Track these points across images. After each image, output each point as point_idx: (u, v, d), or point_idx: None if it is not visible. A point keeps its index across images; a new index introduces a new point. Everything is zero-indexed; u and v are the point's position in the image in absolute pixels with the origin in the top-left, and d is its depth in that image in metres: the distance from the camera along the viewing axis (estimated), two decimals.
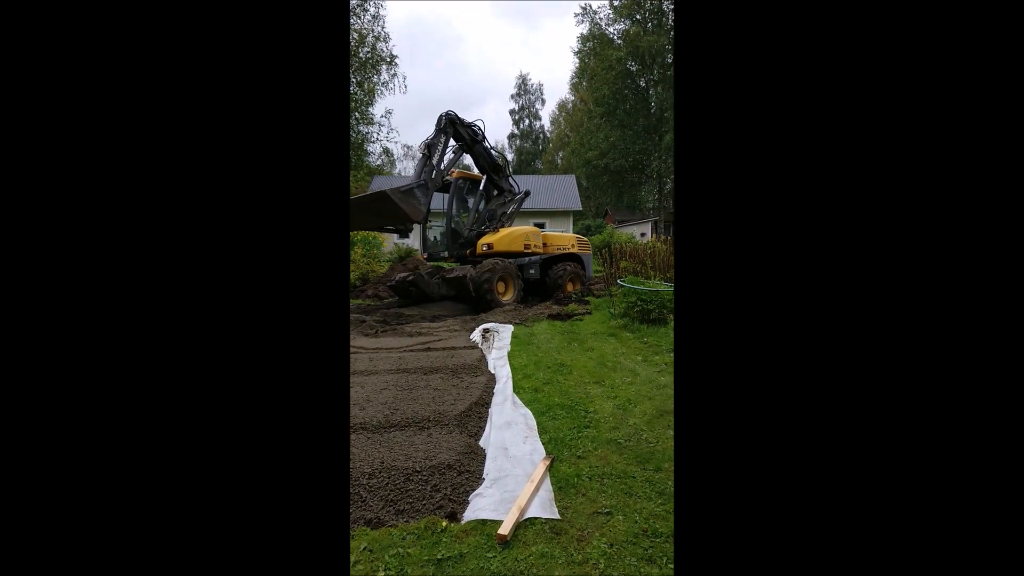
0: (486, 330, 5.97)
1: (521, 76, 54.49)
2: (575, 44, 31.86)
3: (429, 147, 7.67)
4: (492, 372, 4.31)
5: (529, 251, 9.08)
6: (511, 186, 9.46)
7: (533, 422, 3.13)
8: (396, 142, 35.31)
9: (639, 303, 6.00)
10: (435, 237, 9.06)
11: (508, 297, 8.36)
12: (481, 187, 9.15)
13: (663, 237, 8.99)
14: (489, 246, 8.55)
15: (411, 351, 5.16)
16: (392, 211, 6.69)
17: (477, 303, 7.89)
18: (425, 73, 72.67)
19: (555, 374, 4.23)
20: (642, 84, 27.81)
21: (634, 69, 27.14)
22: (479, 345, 5.39)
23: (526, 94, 45.51)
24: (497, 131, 76.13)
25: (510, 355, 4.89)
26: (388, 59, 21.88)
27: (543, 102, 48.83)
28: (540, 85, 57.67)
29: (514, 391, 3.75)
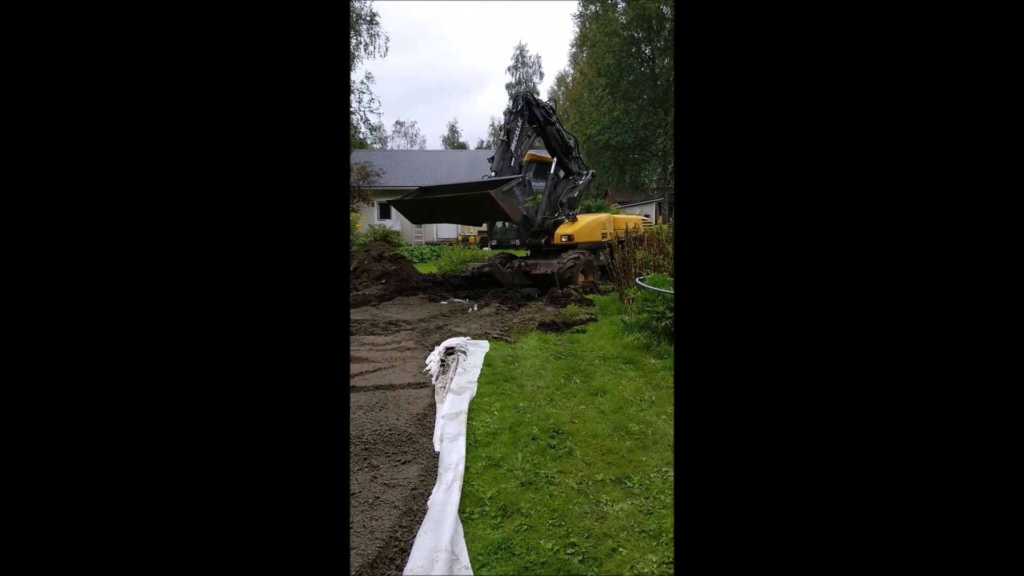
0: (449, 351, 4.16)
1: (519, 47, 51.72)
2: (576, 8, 29.44)
3: (508, 133, 7.42)
4: (437, 450, 2.52)
5: (605, 239, 8.73)
6: (580, 169, 9.02)
7: None
8: (380, 113, 32.81)
9: (668, 313, 4.19)
10: (504, 224, 8.48)
11: None
12: (552, 170, 8.52)
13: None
14: (568, 237, 8.14)
15: None
16: (492, 210, 6.66)
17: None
18: (422, 57, 69.79)
19: (543, 457, 2.43)
20: (647, 52, 25.58)
21: (639, 36, 24.88)
22: (433, 380, 3.59)
23: (524, 67, 42.98)
24: (494, 108, 73.73)
25: (475, 405, 3.09)
26: (368, 18, 19.68)
27: (541, 75, 45.94)
28: (538, 57, 54.93)
29: (465, 514, 1.96)
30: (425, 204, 7.47)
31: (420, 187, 8.09)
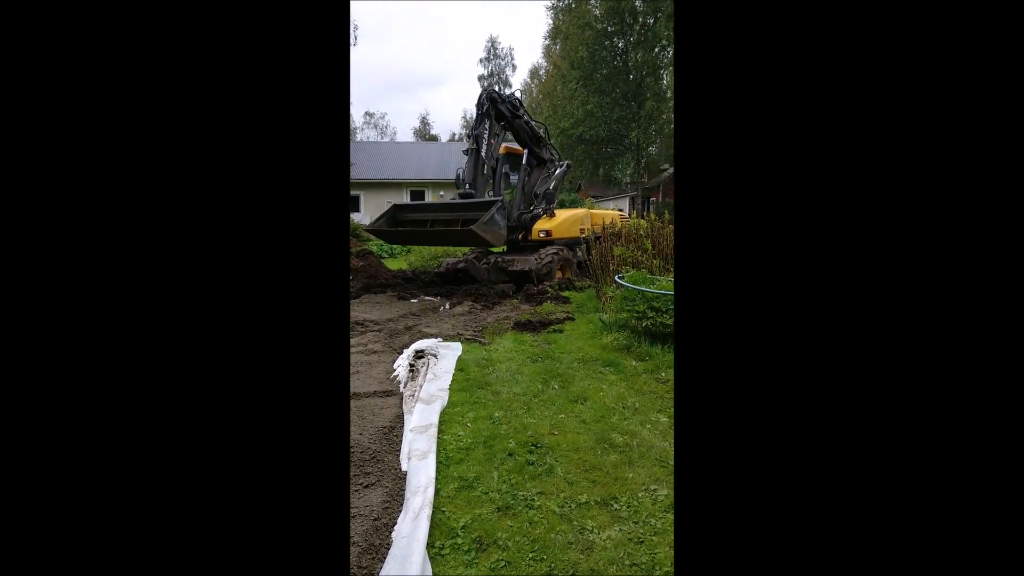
0: (419, 354, 3.91)
1: (491, 39, 51.11)
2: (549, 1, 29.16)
3: (476, 140, 7.25)
4: (404, 469, 2.28)
5: (583, 235, 8.46)
6: (552, 156, 8.74)
7: None
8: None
9: (649, 313, 4.03)
10: None
11: None
12: (524, 162, 8.28)
13: (667, 216, 7.15)
14: (547, 233, 8.00)
15: None
16: (476, 241, 6.70)
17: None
18: (394, 48, 68.36)
19: (521, 476, 2.22)
20: (620, 46, 25.51)
21: (612, 29, 24.78)
22: (401, 387, 3.33)
23: (496, 59, 42.46)
24: (466, 100, 73.14)
25: (446, 416, 2.86)
26: None
27: (514, 68, 45.48)
28: (511, 49, 54.34)
29: (434, 549, 1.73)
30: (402, 235, 7.51)
31: (393, 204, 7.87)
